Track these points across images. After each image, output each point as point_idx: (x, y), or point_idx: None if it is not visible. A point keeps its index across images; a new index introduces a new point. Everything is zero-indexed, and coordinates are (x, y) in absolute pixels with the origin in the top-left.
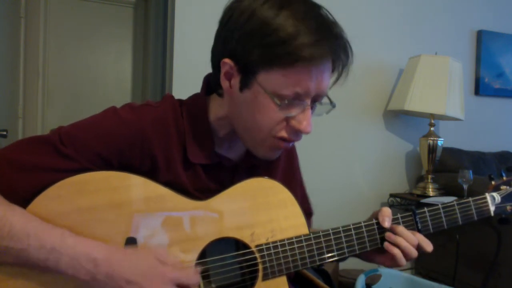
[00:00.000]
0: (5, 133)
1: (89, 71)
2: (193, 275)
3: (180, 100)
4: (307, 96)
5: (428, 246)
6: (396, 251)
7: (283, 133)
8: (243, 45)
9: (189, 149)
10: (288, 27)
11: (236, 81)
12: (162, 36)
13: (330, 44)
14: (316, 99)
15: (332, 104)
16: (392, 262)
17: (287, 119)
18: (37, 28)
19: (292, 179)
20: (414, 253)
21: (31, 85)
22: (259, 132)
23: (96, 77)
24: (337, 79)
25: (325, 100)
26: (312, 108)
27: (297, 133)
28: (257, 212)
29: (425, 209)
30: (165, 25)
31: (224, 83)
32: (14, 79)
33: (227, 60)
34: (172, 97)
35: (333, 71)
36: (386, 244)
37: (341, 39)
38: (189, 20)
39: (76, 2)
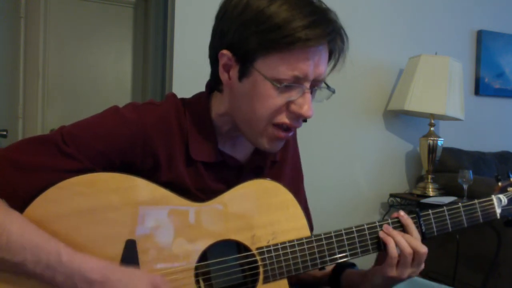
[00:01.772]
0: (5, 133)
1: (89, 71)
2: None
3: (182, 99)
4: (306, 79)
5: (422, 249)
6: (389, 240)
7: (284, 119)
8: (239, 35)
9: (192, 146)
10: (282, 13)
11: (234, 71)
12: (162, 36)
13: (325, 27)
14: (315, 84)
15: (331, 89)
16: (390, 263)
17: (288, 105)
18: (37, 28)
19: (298, 180)
20: (407, 248)
21: (31, 85)
22: (259, 121)
23: (96, 77)
24: (334, 65)
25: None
26: (312, 93)
27: (298, 118)
28: (259, 214)
29: (430, 211)
30: (165, 25)
31: (223, 76)
32: (14, 79)
33: (225, 52)
34: (175, 96)
35: (330, 58)
36: (381, 233)
37: (335, 23)
38: (189, 20)
39: (76, 2)
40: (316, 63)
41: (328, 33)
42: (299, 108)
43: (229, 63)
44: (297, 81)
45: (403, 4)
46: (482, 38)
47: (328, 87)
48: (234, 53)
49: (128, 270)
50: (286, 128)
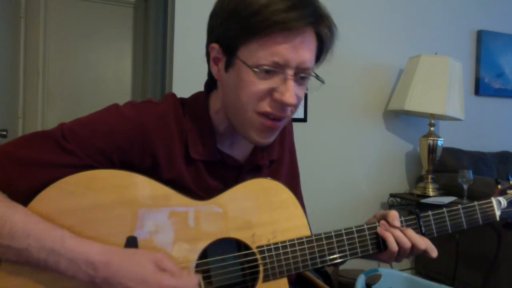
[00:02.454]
0: (5, 133)
1: (89, 71)
2: (191, 284)
3: (182, 98)
4: (288, 66)
5: (420, 244)
6: (388, 235)
7: (267, 108)
8: (224, 26)
9: (191, 145)
10: None
11: (222, 63)
12: (162, 36)
13: (303, 10)
14: (299, 72)
15: (320, 79)
16: (390, 256)
17: (271, 93)
18: (37, 28)
19: (294, 180)
20: (406, 243)
21: (31, 85)
22: (244, 110)
23: (96, 77)
24: (322, 55)
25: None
26: (298, 81)
27: (281, 106)
28: (259, 213)
29: (429, 212)
30: (165, 25)
31: (213, 69)
32: (14, 79)
33: (213, 45)
34: (174, 95)
35: (322, 49)
36: (379, 229)
37: (316, 8)
38: (189, 19)
39: (76, 2)
40: (296, 47)
41: (306, 16)
42: (281, 95)
43: (218, 55)
44: (278, 67)
45: (403, 4)
46: (482, 38)
47: (317, 76)
48: (221, 45)
49: (129, 250)
50: (273, 118)
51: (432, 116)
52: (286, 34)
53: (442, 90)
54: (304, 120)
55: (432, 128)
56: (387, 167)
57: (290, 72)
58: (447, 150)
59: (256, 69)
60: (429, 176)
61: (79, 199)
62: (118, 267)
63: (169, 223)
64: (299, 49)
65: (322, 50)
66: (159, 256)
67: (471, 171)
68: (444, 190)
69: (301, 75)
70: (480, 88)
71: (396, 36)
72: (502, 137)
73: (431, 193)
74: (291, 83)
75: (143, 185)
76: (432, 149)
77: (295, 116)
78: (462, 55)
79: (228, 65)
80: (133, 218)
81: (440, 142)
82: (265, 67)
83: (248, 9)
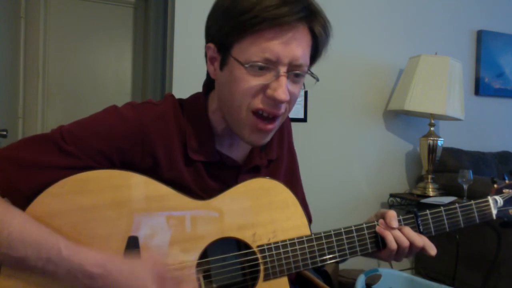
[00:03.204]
0: (5, 133)
1: (89, 71)
2: None
3: (181, 99)
4: (280, 63)
5: (418, 241)
6: (387, 234)
7: (259, 105)
8: (218, 25)
9: (190, 146)
10: None
11: (217, 62)
12: (162, 36)
13: (293, 6)
14: (293, 69)
15: (314, 76)
16: (389, 254)
17: (264, 89)
18: (37, 28)
19: (294, 179)
20: (405, 242)
21: (31, 85)
22: (238, 108)
23: (96, 77)
24: (315, 53)
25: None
26: (292, 79)
27: (274, 103)
28: (259, 212)
29: (427, 211)
30: (165, 25)
31: (210, 68)
32: (14, 79)
33: (209, 44)
34: (173, 96)
35: (316, 46)
36: (378, 228)
37: (309, 3)
38: (189, 20)
39: (76, 2)
40: (286, 43)
41: (297, 11)
42: (273, 91)
43: (214, 55)
44: (270, 63)
45: (403, 4)
46: (482, 38)
47: (311, 74)
48: (216, 44)
49: (128, 260)
50: (267, 118)
51: (432, 116)
52: (277, 30)
53: (442, 90)
54: (304, 120)
55: (432, 128)
56: (387, 167)
57: (283, 69)
58: (447, 150)
59: (247, 66)
60: (429, 176)
61: (79, 199)
62: (116, 278)
63: (169, 223)
64: (290, 45)
65: (317, 47)
66: (160, 269)
67: (471, 171)
68: (444, 190)
69: (295, 72)
70: (480, 88)
71: (396, 36)
72: (502, 137)
73: (431, 193)
74: (283, 80)
75: (142, 185)
76: (432, 149)
77: (295, 116)
78: (462, 55)
79: (222, 64)
80: (133, 219)
81: (440, 142)
82: (257, 64)
83: (240, 7)
